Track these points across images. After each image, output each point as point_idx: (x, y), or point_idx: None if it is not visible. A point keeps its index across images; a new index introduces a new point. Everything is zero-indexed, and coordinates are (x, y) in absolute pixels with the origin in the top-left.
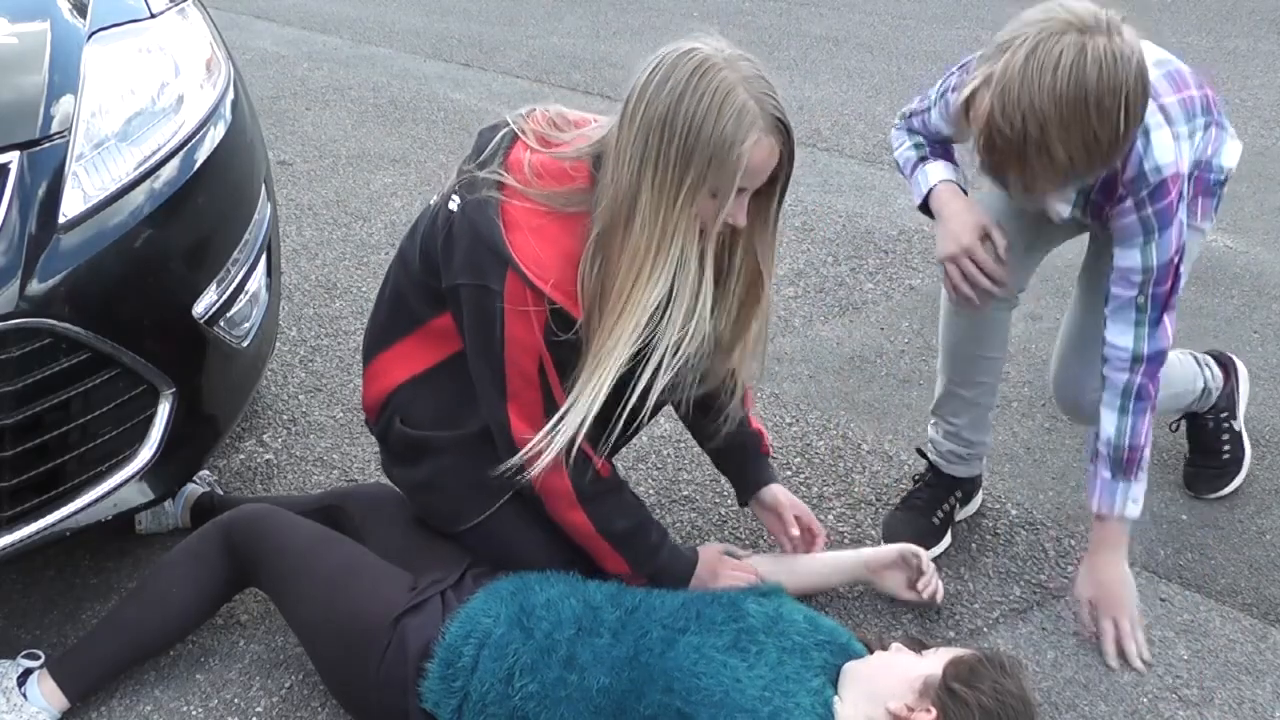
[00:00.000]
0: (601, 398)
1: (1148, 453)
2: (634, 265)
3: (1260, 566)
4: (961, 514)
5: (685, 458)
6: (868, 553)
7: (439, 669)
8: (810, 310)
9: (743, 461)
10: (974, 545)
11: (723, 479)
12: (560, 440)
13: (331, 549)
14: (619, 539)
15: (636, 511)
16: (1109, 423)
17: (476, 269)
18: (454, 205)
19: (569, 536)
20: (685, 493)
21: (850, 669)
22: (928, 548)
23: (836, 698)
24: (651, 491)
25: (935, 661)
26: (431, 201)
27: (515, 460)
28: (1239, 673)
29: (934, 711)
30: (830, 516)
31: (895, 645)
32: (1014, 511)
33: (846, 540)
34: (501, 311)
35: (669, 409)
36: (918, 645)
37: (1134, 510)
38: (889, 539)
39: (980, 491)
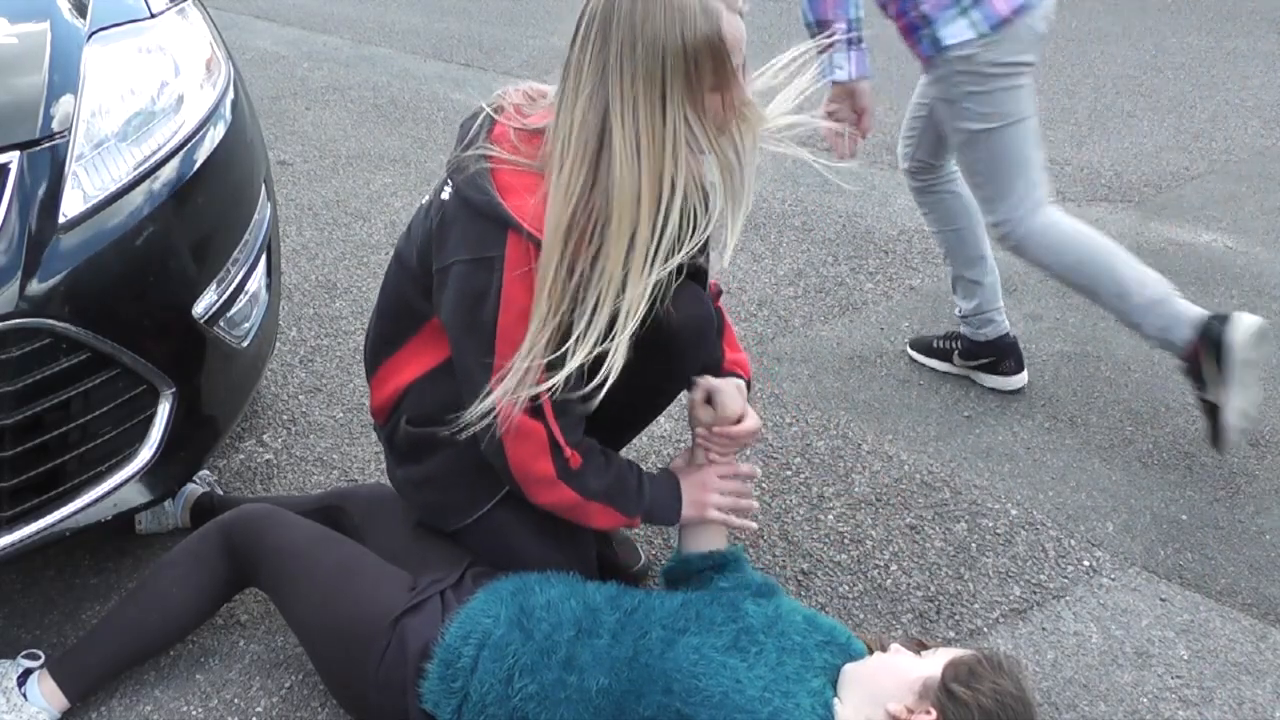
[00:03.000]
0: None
1: (839, 26)
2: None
3: (1260, 566)
4: (987, 381)
5: None
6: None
7: (438, 669)
8: (810, 310)
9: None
10: (974, 545)
11: None
12: (518, 383)
13: (331, 549)
14: (602, 496)
15: (607, 466)
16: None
17: (474, 243)
18: (446, 194)
19: (555, 512)
20: None
21: (849, 670)
22: (920, 353)
23: (836, 699)
24: None
25: (934, 662)
26: (424, 201)
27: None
28: (1239, 673)
29: (934, 713)
30: (830, 516)
31: (894, 646)
32: (1014, 511)
33: (847, 540)
34: (499, 280)
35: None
36: (917, 646)
37: (840, 74)
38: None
39: (998, 374)
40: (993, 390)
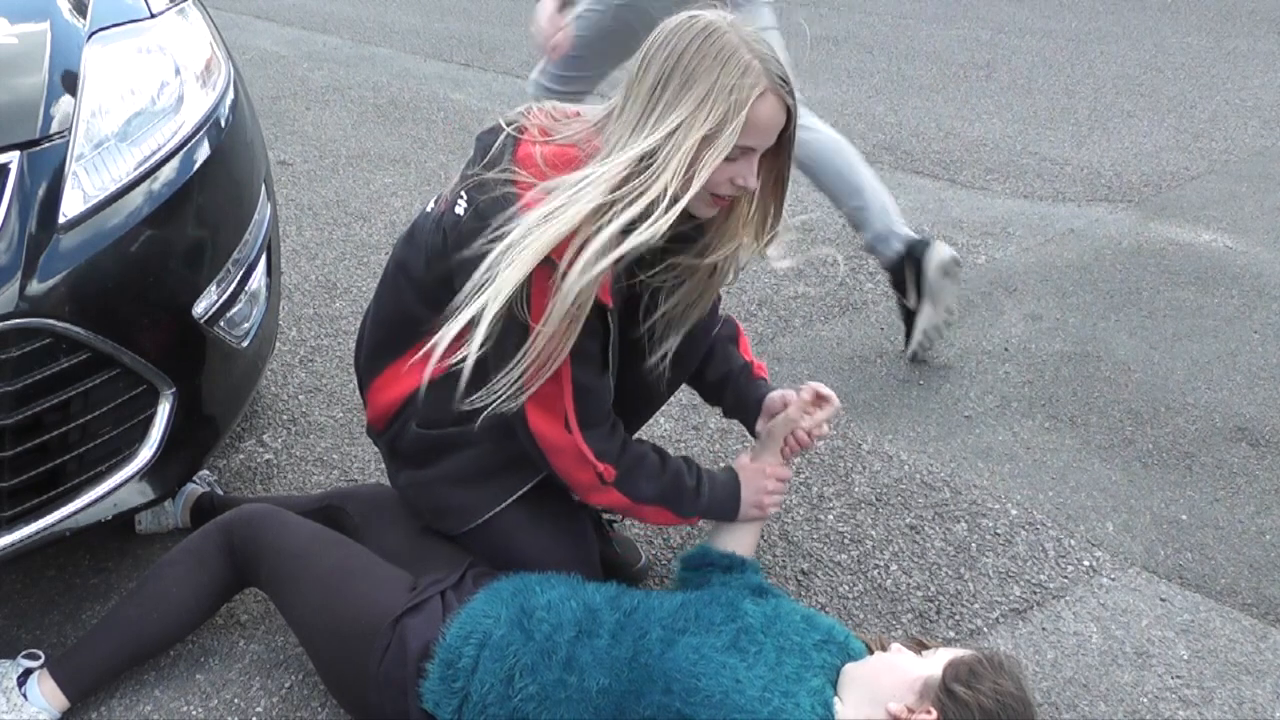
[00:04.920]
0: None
1: None
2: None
3: (1260, 566)
4: (928, 277)
5: None
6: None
7: (439, 669)
8: (810, 310)
9: (738, 390)
10: (974, 545)
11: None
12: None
13: (331, 549)
14: (656, 500)
15: (660, 472)
16: None
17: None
18: (460, 208)
19: (610, 510)
20: None
21: (850, 670)
22: (908, 345)
23: (837, 699)
24: None
25: (935, 662)
26: (429, 208)
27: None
28: (1239, 673)
29: (934, 713)
30: (830, 516)
31: (895, 646)
32: (1014, 511)
33: (847, 540)
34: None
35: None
36: (917, 646)
37: None
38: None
39: (923, 265)
40: (993, 390)
